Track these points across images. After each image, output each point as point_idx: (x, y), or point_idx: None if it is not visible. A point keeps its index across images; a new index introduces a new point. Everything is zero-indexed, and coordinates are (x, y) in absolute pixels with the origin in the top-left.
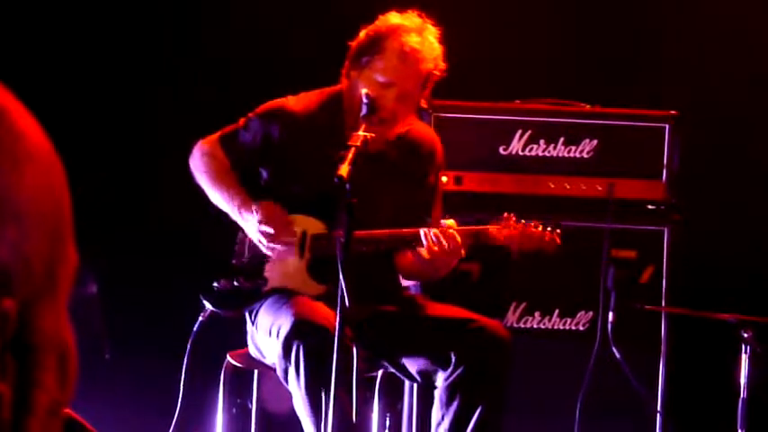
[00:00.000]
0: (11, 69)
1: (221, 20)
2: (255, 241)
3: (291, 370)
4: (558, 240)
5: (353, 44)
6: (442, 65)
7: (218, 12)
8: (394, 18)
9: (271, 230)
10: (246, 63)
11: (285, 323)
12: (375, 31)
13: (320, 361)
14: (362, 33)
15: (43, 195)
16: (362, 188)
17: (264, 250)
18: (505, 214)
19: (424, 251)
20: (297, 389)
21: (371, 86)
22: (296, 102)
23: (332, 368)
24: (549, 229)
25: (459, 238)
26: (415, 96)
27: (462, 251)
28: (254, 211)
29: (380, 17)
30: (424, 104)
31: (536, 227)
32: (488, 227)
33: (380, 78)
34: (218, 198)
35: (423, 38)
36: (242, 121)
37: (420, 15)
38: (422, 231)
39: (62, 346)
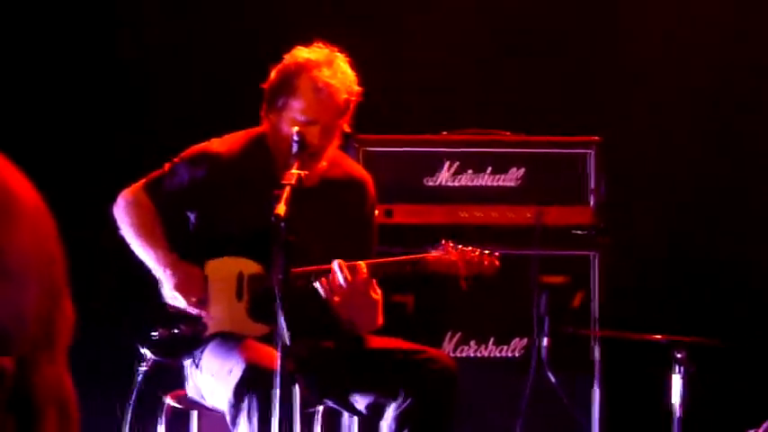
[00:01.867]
0: None
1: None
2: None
3: (243, 416)
4: (497, 263)
5: (266, 86)
6: (358, 89)
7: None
8: (301, 54)
9: (180, 304)
10: (165, 108)
11: (236, 369)
12: (285, 71)
13: (272, 408)
14: (273, 74)
15: (36, 252)
16: (298, 225)
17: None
18: (443, 241)
19: (322, 285)
20: None
21: (294, 125)
22: (220, 143)
23: (284, 414)
24: (486, 252)
25: (365, 270)
26: (337, 126)
27: (374, 291)
28: (169, 278)
29: (288, 54)
30: (347, 129)
31: (473, 251)
32: (426, 255)
33: (301, 117)
34: (140, 251)
35: (333, 69)
36: (167, 166)
37: (326, 45)
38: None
39: (62, 398)
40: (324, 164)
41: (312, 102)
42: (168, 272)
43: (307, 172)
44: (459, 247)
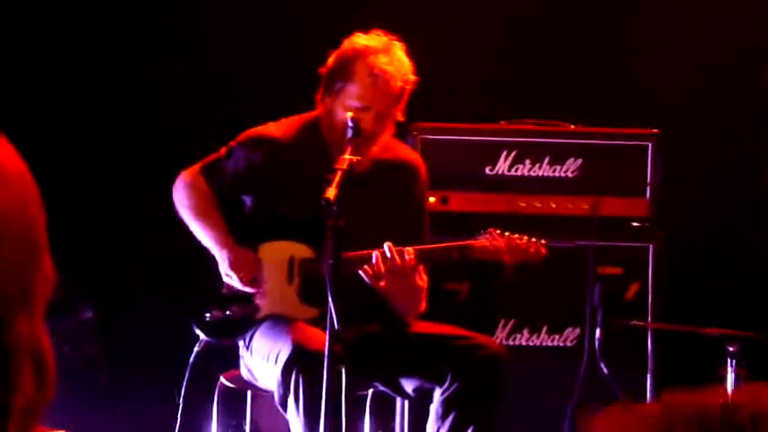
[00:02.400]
0: None
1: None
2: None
3: (291, 398)
4: (544, 251)
5: (323, 71)
6: (413, 78)
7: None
8: (359, 40)
9: (235, 284)
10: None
11: (284, 351)
12: (343, 56)
13: (319, 390)
14: (331, 59)
15: (16, 216)
16: (349, 210)
17: (239, 288)
18: (490, 229)
19: (365, 272)
20: (295, 416)
21: (348, 111)
22: (276, 128)
23: (330, 395)
24: (533, 240)
25: (412, 254)
26: (391, 113)
27: (420, 278)
28: (224, 259)
29: (346, 41)
30: (401, 118)
31: (520, 239)
32: (473, 241)
33: (355, 103)
34: (198, 231)
35: (390, 56)
36: (223, 150)
37: (385, 33)
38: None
39: (37, 351)
40: (376, 150)
41: (367, 87)
42: (224, 252)
43: (359, 157)
44: (506, 234)
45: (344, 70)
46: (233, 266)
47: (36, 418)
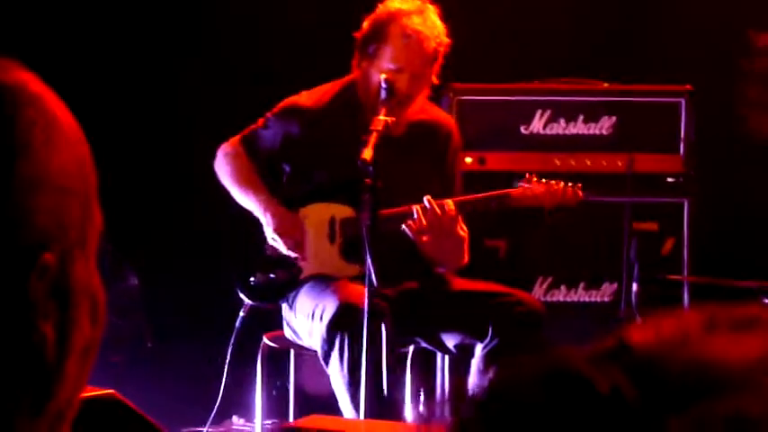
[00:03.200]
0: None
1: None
2: (271, 242)
3: (335, 354)
4: (581, 194)
5: (359, 35)
6: (446, 40)
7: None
8: (393, 3)
9: (280, 246)
10: (259, 67)
11: (328, 308)
12: (377, 20)
13: (363, 345)
14: (365, 23)
15: (74, 169)
16: (385, 170)
17: (284, 251)
18: (527, 175)
19: (409, 227)
20: (338, 372)
21: (383, 73)
22: (309, 96)
23: (374, 352)
24: (570, 184)
25: (452, 206)
26: (426, 75)
27: (461, 228)
28: (269, 221)
29: (380, 4)
30: (435, 81)
31: (557, 183)
32: (511, 190)
33: (390, 65)
34: (242, 198)
35: (423, 18)
36: (261, 121)
37: None
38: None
39: (92, 291)
40: (410, 112)
41: (401, 49)
42: (269, 215)
43: (394, 119)
44: (543, 180)
45: (379, 33)
46: (279, 230)
47: (92, 356)
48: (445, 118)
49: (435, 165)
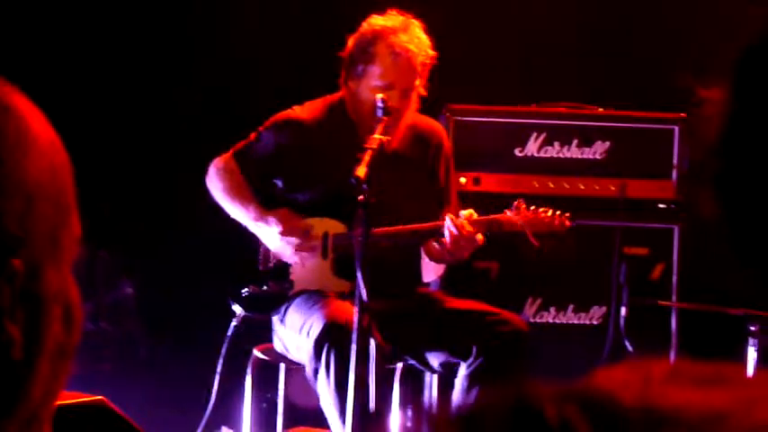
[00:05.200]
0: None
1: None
2: (275, 251)
3: (322, 370)
4: (568, 223)
5: (344, 54)
6: (432, 53)
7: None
8: (377, 21)
9: (294, 240)
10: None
11: (316, 324)
12: (363, 39)
13: (349, 363)
14: (350, 42)
15: (46, 177)
16: (379, 187)
17: (288, 260)
18: (515, 202)
19: (446, 240)
20: (326, 388)
21: (373, 91)
22: (302, 110)
23: (361, 368)
24: (558, 213)
25: (469, 228)
26: (414, 89)
27: (479, 237)
28: (273, 224)
29: (364, 23)
30: (423, 93)
31: (545, 211)
32: (502, 215)
33: (379, 83)
34: (236, 212)
35: (409, 34)
36: (253, 135)
37: (400, 12)
38: (447, 221)
39: (66, 299)
40: (402, 126)
41: (391, 67)
42: (270, 218)
43: (389, 137)
44: (532, 207)
45: (366, 52)
46: (285, 228)
47: (67, 358)
48: (435, 126)
49: (428, 174)
